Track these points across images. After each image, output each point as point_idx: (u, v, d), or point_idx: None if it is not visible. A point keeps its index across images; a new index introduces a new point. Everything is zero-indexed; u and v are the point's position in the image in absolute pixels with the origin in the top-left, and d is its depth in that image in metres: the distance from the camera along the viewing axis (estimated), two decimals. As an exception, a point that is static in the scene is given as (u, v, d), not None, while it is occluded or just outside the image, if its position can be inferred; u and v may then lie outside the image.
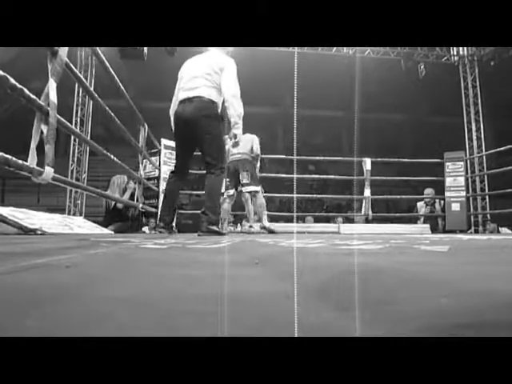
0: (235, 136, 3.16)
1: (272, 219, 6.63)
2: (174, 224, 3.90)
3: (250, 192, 4.81)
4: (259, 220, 4.89)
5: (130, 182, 5.15)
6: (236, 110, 3.10)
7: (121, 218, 5.16)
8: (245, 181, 4.79)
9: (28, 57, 8.69)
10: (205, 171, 3.19)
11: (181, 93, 3.20)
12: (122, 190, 5.14)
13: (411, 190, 12.39)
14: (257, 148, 4.94)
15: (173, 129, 3.28)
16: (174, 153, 5.80)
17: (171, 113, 3.32)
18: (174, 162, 3.46)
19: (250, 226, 4.93)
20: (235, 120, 3.11)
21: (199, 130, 3.02)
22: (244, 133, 3.69)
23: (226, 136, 3.39)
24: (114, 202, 5.14)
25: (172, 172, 3.36)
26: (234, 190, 4.88)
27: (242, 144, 4.00)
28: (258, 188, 4.88)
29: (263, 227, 4.80)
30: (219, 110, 3.16)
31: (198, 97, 3.06)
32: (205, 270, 0.79)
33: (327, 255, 1.25)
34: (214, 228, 2.99)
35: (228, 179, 4.72)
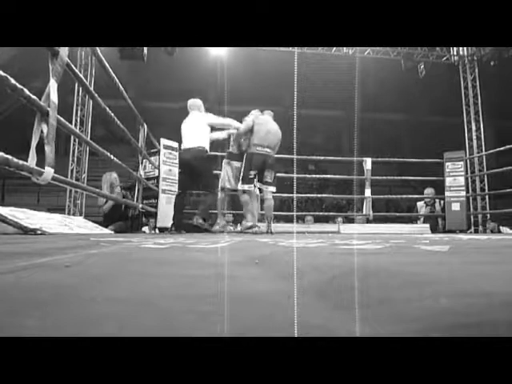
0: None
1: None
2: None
3: (272, 192, 4.77)
4: (269, 221, 4.82)
5: (117, 187, 5.17)
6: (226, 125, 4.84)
7: (114, 215, 5.15)
8: (268, 179, 4.72)
9: (28, 57, 8.69)
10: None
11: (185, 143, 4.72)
12: (110, 187, 5.13)
13: (411, 189, 12.39)
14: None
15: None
16: (175, 153, 5.93)
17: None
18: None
19: (251, 227, 4.91)
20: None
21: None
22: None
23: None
24: (104, 200, 5.16)
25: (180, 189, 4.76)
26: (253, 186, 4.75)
27: (272, 140, 4.70)
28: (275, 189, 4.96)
29: (270, 230, 4.73)
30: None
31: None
32: (205, 270, 0.79)
33: (327, 255, 1.25)
34: (199, 223, 4.24)
35: (253, 172, 4.64)
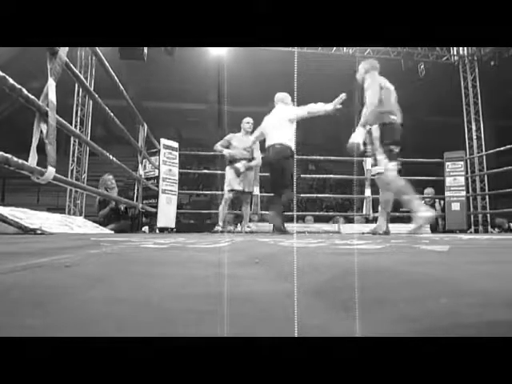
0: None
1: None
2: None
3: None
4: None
5: (114, 189, 5.16)
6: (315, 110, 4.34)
7: (111, 221, 5.14)
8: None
9: (27, 57, 8.69)
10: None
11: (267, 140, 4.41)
12: (105, 189, 5.13)
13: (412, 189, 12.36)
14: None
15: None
16: (175, 153, 5.83)
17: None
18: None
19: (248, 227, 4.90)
20: None
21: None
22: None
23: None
24: (97, 199, 5.16)
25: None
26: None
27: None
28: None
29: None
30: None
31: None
32: (205, 270, 0.79)
33: (327, 255, 1.25)
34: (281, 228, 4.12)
35: (394, 147, 3.57)
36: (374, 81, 3.73)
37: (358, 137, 3.62)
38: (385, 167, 3.57)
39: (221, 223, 5.01)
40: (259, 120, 4.83)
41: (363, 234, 4.15)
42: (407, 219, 8.11)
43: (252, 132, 5.04)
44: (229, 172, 5.04)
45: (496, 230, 7.91)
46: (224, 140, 5.15)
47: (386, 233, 3.87)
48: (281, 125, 4.27)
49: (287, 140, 4.25)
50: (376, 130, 3.65)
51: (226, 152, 5.05)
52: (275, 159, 4.23)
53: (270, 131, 4.34)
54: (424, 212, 3.51)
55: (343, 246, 1.57)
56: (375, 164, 3.70)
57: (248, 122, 5.22)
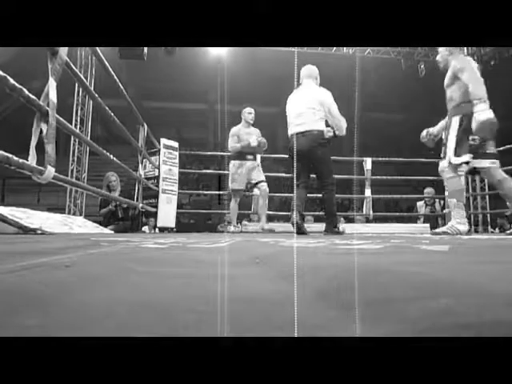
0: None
1: (273, 218, 6.64)
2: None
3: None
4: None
5: (117, 189, 5.16)
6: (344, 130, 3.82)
7: (111, 220, 5.14)
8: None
9: (28, 56, 8.69)
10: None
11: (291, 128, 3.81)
12: (107, 188, 5.13)
13: (411, 189, 12.39)
14: None
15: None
16: (175, 153, 5.74)
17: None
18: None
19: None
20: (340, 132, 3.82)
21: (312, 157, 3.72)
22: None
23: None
24: (100, 200, 5.16)
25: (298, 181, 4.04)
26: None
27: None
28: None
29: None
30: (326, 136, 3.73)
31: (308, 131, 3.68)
32: (205, 269, 0.79)
33: (327, 255, 1.25)
34: (336, 229, 3.66)
35: (476, 137, 3.27)
36: (466, 62, 3.26)
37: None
38: (453, 161, 3.33)
39: (234, 223, 4.79)
40: (259, 120, 4.78)
41: (436, 233, 3.59)
42: (407, 219, 8.12)
43: (254, 125, 4.79)
44: (235, 166, 4.71)
45: (496, 229, 7.93)
46: (233, 137, 4.74)
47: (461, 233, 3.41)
48: (312, 105, 3.67)
49: (319, 124, 3.68)
50: (456, 122, 3.34)
51: (244, 144, 4.64)
52: (308, 149, 3.62)
53: (299, 114, 3.71)
54: (461, 225, 3.44)
55: (343, 246, 1.57)
56: (445, 155, 3.41)
57: (250, 113, 4.82)
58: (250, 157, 4.76)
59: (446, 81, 3.53)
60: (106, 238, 2.37)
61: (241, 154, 4.72)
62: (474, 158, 3.37)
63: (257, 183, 4.75)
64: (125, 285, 0.63)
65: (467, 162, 3.38)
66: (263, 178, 4.80)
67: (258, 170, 4.81)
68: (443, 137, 3.55)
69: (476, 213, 8.44)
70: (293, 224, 3.76)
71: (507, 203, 3.98)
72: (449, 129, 3.43)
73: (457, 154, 3.33)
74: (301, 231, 3.61)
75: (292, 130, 3.81)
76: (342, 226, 3.92)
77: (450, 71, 3.39)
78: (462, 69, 3.25)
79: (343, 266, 0.83)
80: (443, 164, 3.50)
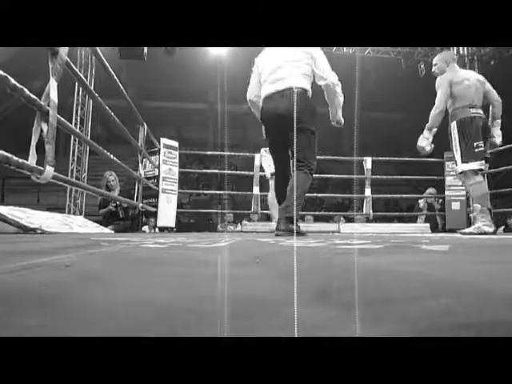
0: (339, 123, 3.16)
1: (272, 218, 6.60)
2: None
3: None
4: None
5: (117, 188, 5.15)
6: (341, 98, 2.99)
7: (111, 220, 5.14)
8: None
9: (28, 56, 8.68)
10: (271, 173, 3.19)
11: (266, 86, 2.91)
12: (106, 188, 5.13)
13: (411, 188, 12.39)
14: None
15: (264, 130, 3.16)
16: (175, 153, 5.64)
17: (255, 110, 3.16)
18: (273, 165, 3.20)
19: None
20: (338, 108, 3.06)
21: (291, 125, 2.62)
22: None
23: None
24: (99, 199, 5.16)
25: (272, 174, 3.08)
26: None
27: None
28: None
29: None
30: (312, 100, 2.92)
31: (288, 88, 2.79)
32: (205, 269, 0.79)
33: (327, 255, 1.25)
34: (292, 227, 2.70)
35: (480, 143, 3.32)
36: (443, 79, 3.46)
37: (422, 141, 3.56)
38: (461, 168, 3.35)
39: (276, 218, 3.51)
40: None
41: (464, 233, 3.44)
42: (407, 219, 8.12)
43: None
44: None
45: (501, 229, 7.95)
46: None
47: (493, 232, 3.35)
48: (296, 60, 2.81)
49: (304, 81, 2.83)
50: (454, 128, 3.47)
51: None
52: (288, 112, 2.71)
53: (277, 69, 2.86)
54: (487, 227, 3.30)
55: (343, 246, 1.57)
56: (456, 163, 3.46)
57: None
58: None
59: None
60: (106, 237, 2.37)
61: None
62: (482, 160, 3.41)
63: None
64: (125, 285, 0.63)
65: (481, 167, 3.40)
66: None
67: None
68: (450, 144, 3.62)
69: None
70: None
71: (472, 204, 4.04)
72: (450, 136, 3.54)
73: (464, 160, 3.36)
74: (287, 231, 2.73)
75: (267, 89, 2.90)
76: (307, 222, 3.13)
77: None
78: (436, 88, 3.52)
79: (343, 266, 0.83)
80: (457, 171, 3.53)
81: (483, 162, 3.35)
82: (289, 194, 2.79)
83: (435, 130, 3.59)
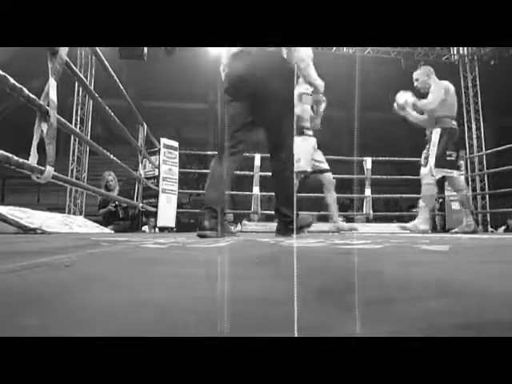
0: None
1: (272, 218, 6.61)
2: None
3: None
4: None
5: (116, 188, 5.15)
6: (312, 77, 2.36)
7: (111, 219, 5.14)
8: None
9: (28, 56, 8.68)
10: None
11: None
12: (105, 188, 5.12)
13: (411, 188, 12.36)
14: None
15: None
16: (175, 153, 5.60)
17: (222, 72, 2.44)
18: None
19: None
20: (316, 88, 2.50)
21: (262, 93, 2.08)
22: None
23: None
24: (99, 199, 5.16)
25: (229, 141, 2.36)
26: None
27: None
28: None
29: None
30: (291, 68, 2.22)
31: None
32: (205, 269, 0.79)
33: (327, 254, 1.25)
34: (291, 227, 2.48)
35: (452, 152, 3.81)
36: (439, 85, 3.83)
37: (401, 98, 3.92)
38: (429, 170, 3.70)
39: (337, 217, 4.17)
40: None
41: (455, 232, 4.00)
42: (407, 219, 8.11)
43: None
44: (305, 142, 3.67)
45: (501, 229, 7.96)
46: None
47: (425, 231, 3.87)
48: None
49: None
50: (436, 134, 3.75)
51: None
52: (258, 76, 2.09)
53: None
54: (422, 225, 3.87)
55: (343, 246, 1.57)
56: (425, 164, 3.81)
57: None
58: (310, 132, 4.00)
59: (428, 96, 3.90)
60: (106, 237, 2.37)
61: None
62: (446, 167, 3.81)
63: (321, 171, 4.06)
64: (125, 285, 0.63)
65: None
66: (327, 167, 4.11)
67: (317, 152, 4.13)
68: (425, 149, 3.93)
69: (476, 212, 8.45)
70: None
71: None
72: (430, 142, 3.83)
73: (436, 165, 3.73)
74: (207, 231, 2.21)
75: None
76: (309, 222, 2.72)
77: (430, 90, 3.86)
78: (432, 91, 3.86)
79: (343, 266, 0.83)
80: (423, 171, 3.85)
81: (449, 170, 3.77)
82: (282, 197, 2.54)
83: (415, 113, 3.91)
